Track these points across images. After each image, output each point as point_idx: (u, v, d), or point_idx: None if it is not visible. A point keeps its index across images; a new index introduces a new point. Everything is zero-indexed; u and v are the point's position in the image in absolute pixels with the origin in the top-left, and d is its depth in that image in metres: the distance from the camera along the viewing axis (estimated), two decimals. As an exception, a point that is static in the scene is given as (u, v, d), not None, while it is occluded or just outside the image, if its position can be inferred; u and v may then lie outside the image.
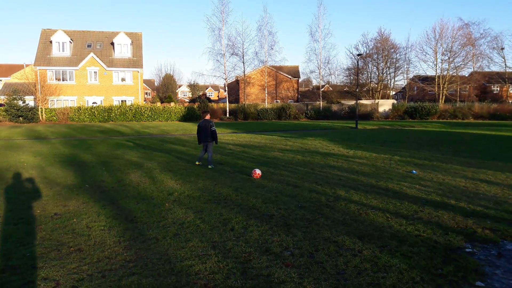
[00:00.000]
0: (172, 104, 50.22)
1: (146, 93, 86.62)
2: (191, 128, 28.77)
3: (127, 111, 37.52)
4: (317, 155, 13.99)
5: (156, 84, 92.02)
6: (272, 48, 46.09)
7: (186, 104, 55.19)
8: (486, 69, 56.52)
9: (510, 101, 56.49)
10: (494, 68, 58.59)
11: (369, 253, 4.94)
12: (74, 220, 6.47)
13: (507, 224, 6.08)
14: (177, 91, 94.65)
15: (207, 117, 12.10)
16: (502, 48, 55.36)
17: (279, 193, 8.12)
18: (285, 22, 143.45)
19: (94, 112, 36.74)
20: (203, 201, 7.63)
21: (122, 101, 42.36)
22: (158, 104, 48.72)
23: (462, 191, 8.30)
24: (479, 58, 53.16)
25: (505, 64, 56.86)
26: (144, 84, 65.02)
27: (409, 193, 8.11)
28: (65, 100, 41.25)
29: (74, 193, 8.43)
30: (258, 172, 9.89)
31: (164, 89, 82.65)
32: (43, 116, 36.44)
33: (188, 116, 39.78)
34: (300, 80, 63.08)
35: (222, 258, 4.81)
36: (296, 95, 59.87)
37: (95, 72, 42.07)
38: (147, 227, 6.06)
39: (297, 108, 44.62)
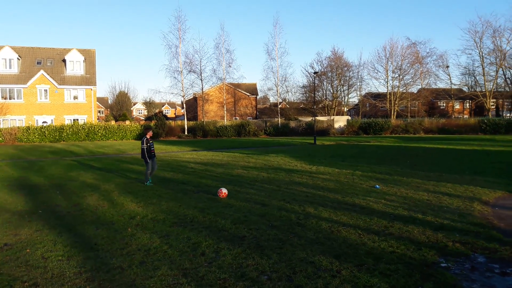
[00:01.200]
0: (128, 122, 48.84)
1: (99, 111, 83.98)
2: (149, 146, 27.97)
3: (79, 130, 35.98)
4: (281, 171, 13.92)
5: (109, 102, 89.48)
6: (230, 66, 46.15)
7: (142, 122, 53.89)
8: (433, 86, 59.65)
9: (454, 116, 59.88)
10: (441, 85, 62.01)
11: (348, 273, 4.81)
12: (28, 250, 5.90)
13: (475, 236, 6.19)
14: (132, 108, 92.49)
15: (149, 134, 12.05)
16: (447, 66, 58.77)
17: (248, 213, 7.89)
18: (242, 40, 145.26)
19: (45, 132, 34.91)
20: (168, 224, 7.25)
21: (74, 120, 40.66)
22: (113, 122, 47.22)
23: (426, 204, 8.46)
24: (426, 75, 56.02)
25: (450, 81, 60.44)
26: (97, 102, 62.95)
27: (376, 208, 8.15)
28: (12, 120, 38.99)
29: (26, 220, 7.76)
30: (224, 191, 9.62)
31: (118, 107, 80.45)
32: (-13, 137, 34.15)
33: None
34: (258, 97, 63.60)
35: (196, 286, 4.49)
36: (255, 112, 60.20)
37: (46, 90, 40.20)
38: (110, 255, 5.62)
39: (256, 125, 44.78)
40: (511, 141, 28.51)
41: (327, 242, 6.00)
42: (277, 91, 49.28)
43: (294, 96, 66.67)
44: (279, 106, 52.18)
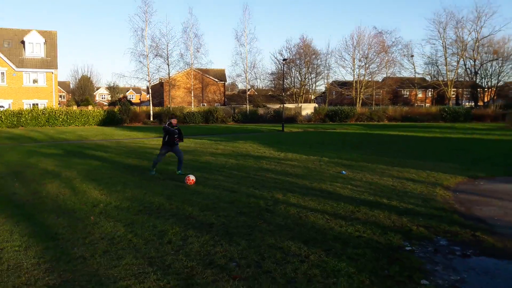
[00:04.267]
0: (90, 107, 47.27)
1: (61, 96, 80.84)
2: (112, 133, 27.20)
3: (39, 115, 34.49)
4: (250, 158, 13.86)
5: (71, 86, 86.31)
6: (198, 51, 45.38)
7: (105, 108, 52.33)
8: (398, 75, 61.13)
9: (417, 104, 61.76)
10: (405, 74, 63.62)
11: (316, 257, 4.82)
12: (-19, 241, 5.56)
13: (438, 220, 6.36)
14: (94, 93, 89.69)
15: (174, 121, 11.01)
16: (412, 56, 60.28)
17: (216, 200, 7.78)
18: (211, 25, 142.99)
19: (1, 116, 33.24)
20: (133, 212, 7.04)
21: (34, 104, 38.91)
22: (75, 107, 45.63)
23: (391, 190, 8.64)
24: (391, 64, 57.25)
25: (414, 70, 62.05)
26: (59, 87, 60.50)
27: (343, 194, 8.25)
28: (-35, 104, 36.86)
29: (-21, 209, 7.33)
30: (192, 178, 9.46)
31: (81, 91, 77.78)
32: None
33: (108, 120, 37.68)
34: (226, 84, 63.06)
35: (162, 275, 4.37)
36: (223, 98, 59.73)
37: (3, 73, 38.14)
38: (72, 245, 5.39)
39: (225, 112, 44.46)
40: (470, 128, 29.71)
41: (296, 227, 6.00)
42: (245, 77, 49.04)
43: (263, 83, 66.60)
44: (248, 92, 52.01)
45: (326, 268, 4.51)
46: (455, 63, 56.90)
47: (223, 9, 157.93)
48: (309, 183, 9.36)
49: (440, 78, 58.75)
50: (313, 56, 57.54)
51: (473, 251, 5.15)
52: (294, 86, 58.81)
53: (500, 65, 56.91)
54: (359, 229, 5.89)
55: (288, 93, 58.68)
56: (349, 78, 58.96)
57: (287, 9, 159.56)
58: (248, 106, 47.52)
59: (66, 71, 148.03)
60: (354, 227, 5.98)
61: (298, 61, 57.40)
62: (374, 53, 54.14)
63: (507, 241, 5.47)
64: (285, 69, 52.43)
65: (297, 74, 58.34)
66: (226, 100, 60.27)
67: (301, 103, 52.56)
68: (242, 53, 48.81)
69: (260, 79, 65.49)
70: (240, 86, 74.42)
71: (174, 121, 11.08)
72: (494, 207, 7.33)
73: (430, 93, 68.90)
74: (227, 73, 61.70)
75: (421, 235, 5.70)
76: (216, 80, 58.61)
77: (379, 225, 6.10)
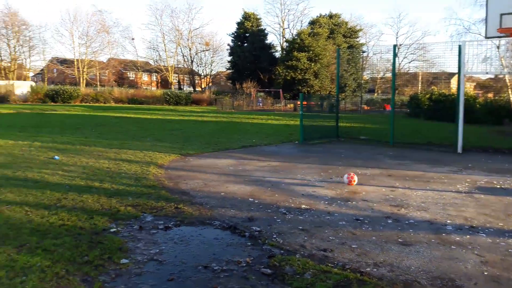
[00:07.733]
0: None
1: None
2: None
3: None
4: None
5: None
6: None
7: None
8: (122, 57, 61.05)
9: (143, 87, 63.66)
10: (128, 56, 64.21)
11: (4, 258, 4.16)
12: None
13: (146, 198, 6.64)
14: None
15: None
16: (133, 39, 61.38)
17: None
18: None
19: None
20: None
21: None
22: None
23: (105, 172, 8.48)
24: (113, 45, 56.55)
25: (137, 54, 63.48)
26: None
27: (52, 181, 7.55)
28: None
29: None
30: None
31: None
32: None
33: None
34: None
35: None
36: None
37: None
38: None
39: None
40: (188, 111, 32.86)
41: (-18, 227, 5.04)
42: None
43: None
44: None
45: (15, 267, 3.95)
46: (174, 50, 61.34)
47: None
48: (12, 173, 8.12)
49: (162, 63, 62.31)
50: (23, 27, 50.41)
51: (174, 222, 5.59)
52: (2, 60, 50.06)
53: (211, 55, 65.12)
54: (63, 218, 5.47)
55: (-4, 67, 49.57)
56: (69, 55, 54.94)
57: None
58: None
59: None
60: (58, 216, 5.52)
61: (5, 31, 49.08)
62: (95, 32, 52.18)
63: (202, 209, 6.23)
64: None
65: (5, 46, 49.85)
66: None
67: (13, 80, 45.37)
68: None
69: None
70: None
71: None
72: (198, 180, 8.23)
73: (155, 77, 72.23)
74: None
75: (128, 214, 5.79)
76: None
77: (86, 210, 5.84)
